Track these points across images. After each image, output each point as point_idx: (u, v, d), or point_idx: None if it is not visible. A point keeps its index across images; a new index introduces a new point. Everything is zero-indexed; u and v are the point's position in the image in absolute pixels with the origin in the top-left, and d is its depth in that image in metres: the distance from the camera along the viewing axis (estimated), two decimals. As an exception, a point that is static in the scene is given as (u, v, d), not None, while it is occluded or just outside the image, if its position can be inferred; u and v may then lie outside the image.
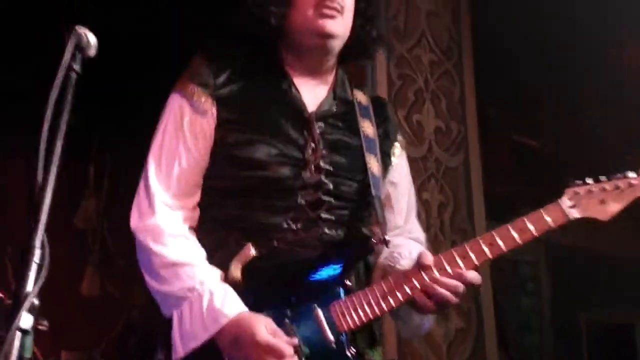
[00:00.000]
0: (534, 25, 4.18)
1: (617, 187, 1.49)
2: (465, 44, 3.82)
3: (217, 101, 1.55)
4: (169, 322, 1.48)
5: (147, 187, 1.54)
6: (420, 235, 1.80)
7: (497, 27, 4.13)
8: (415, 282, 1.46)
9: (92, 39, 1.28)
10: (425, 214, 3.45)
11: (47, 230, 1.18)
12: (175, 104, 1.58)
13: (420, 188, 3.50)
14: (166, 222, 1.49)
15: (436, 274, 1.46)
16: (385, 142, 1.71)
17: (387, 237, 1.54)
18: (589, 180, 1.52)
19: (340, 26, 1.57)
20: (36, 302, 1.11)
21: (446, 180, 3.60)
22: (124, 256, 4.82)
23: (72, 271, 4.64)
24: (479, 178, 3.71)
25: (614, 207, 1.50)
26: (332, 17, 1.55)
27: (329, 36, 1.57)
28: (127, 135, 4.55)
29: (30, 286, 1.12)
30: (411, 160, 3.54)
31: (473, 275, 1.48)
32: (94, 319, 4.63)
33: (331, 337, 1.42)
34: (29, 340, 1.09)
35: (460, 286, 1.46)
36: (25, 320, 1.08)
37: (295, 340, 1.40)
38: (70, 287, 4.60)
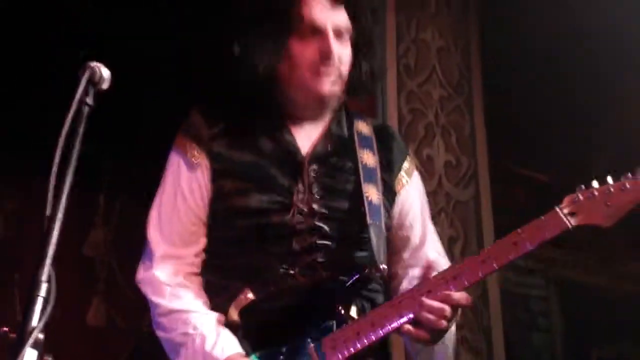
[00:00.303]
0: (545, 60, 4.20)
1: (624, 187, 1.38)
2: (475, 79, 3.85)
3: (209, 154, 1.59)
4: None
5: (148, 242, 1.63)
6: (437, 254, 1.74)
7: (507, 63, 4.16)
8: (404, 308, 1.44)
9: (105, 73, 1.31)
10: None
11: (56, 257, 1.18)
12: (174, 161, 1.65)
13: (430, 222, 3.48)
14: (163, 274, 1.57)
15: (424, 298, 1.43)
16: (387, 172, 1.69)
17: (383, 266, 1.55)
18: (595, 183, 1.41)
19: (337, 85, 1.58)
20: (41, 336, 1.11)
21: (456, 214, 3.58)
22: (131, 286, 4.81)
23: (79, 301, 4.62)
24: (490, 212, 3.69)
25: (619, 209, 1.37)
26: (328, 77, 1.55)
27: (324, 98, 1.58)
28: (139, 166, 4.58)
29: (35, 321, 1.11)
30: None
31: (460, 297, 1.43)
32: (99, 349, 4.59)
33: None
34: (33, 376, 1.08)
35: (447, 309, 1.42)
36: (30, 355, 1.07)
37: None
38: (76, 316, 4.57)
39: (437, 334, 1.46)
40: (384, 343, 1.60)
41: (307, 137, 1.64)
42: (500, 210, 3.83)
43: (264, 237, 1.55)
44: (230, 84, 1.69)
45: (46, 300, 1.12)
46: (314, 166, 1.60)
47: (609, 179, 1.41)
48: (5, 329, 1.70)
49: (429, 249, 1.73)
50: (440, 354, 1.57)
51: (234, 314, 1.51)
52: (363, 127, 1.71)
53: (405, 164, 1.75)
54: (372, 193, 1.59)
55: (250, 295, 1.52)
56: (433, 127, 3.63)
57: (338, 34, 1.55)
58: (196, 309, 1.53)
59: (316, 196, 1.58)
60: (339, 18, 1.55)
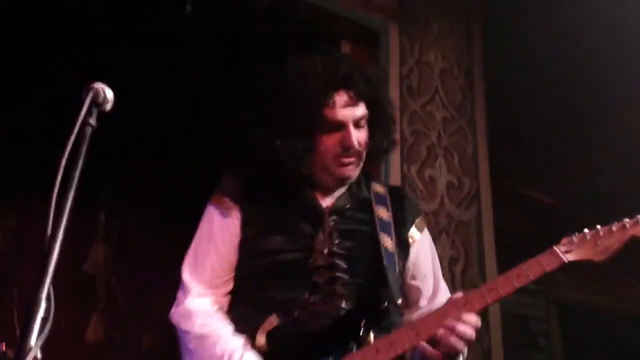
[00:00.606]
0: (547, 82, 4.22)
1: (610, 230, 1.60)
2: (478, 101, 3.87)
3: (241, 206, 1.78)
4: None
5: (183, 283, 1.77)
6: None
7: (510, 84, 4.17)
8: (422, 330, 1.57)
9: (109, 94, 1.31)
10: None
11: (56, 274, 1.18)
12: (209, 212, 1.83)
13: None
14: (194, 305, 1.71)
15: (448, 318, 1.56)
16: (400, 229, 1.84)
17: (399, 301, 1.72)
18: (585, 230, 1.64)
19: (356, 169, 1.78)
20: (39, 355, 1.10)
21: (458, 234, 3.58)
22: (130, 303, 4.79)
23: (78, 317, 4.61)
24: (491, 233, 3.69)
25: (608, 248, 1.59)
26: (350, 164, 1.75)
27: (346, 180, 1.79)
28: (140, 184, 4.60)
29: (33, 339, 1.10)
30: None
31: (470, 318, 1.55)
32: (98, 366, 4.57)
33: None
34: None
35: (467, 331, 1.53)
36: (27, 375, 1.07)
37: None
38: (75, 333, 4.55)
39: (455, 356, 1.56)
40: None
41: (329, 197, 1.82)
42: (502, 231, 3.83)
43: (286, 273, 1.70)
44: (259, 155, 1.84)
45: (45, 319, 1.12)
46: (334, 217, 1.77)
47: (598, 227, 1.63)
48: (3, 347, 1.69)
49: (443, 298, 1.83)
50: None
51: (261, 339, 1.63)
52: (379, 189, 1.89)
53: (417, 221, 1.91)
54: (387, 242, 1.76)
55: (276, 321, 1.64)
56: (435, 148, 3.64)
57: (357, 123, 1.73)
58: (224, 334, 1.65)
59: (335, 241, 1.74)
60: (359, 112, 1.72)
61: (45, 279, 1.19)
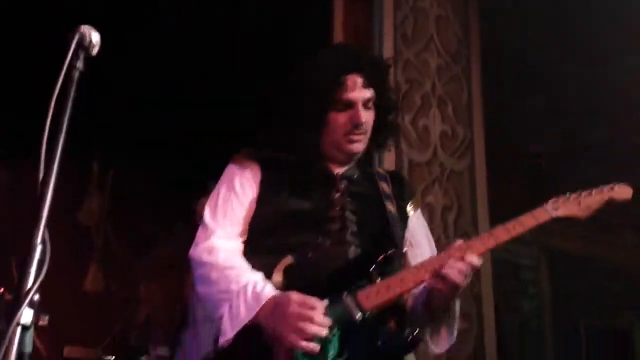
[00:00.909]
0: (544, 32, 4.17)
1: (590, 193, 1.90)
2: (473, 48, 3.82)
3: (261, 165, 1.97)
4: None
5: (204, 225, 1.90)
6: None
7: (506, 33, 4.13)
8: (428, 268, 1.75)
9: (95, 37, 1.29)
10: (429, 217, 3.45)
11: (50, 226, 1.19)
12: (229, 170, 2.00)
13: (424, 192, 3.50)
14: (219, 243, 1.85)
15: (451, 258, 1.75)
16: (400, 202, 2.04)
17: (404, 249, 1.94)
18: (568, 193, 1.91)
19: (364, 145, 1.98)
20: (37, 297, 1.12)
21: (451, 184, 3.60)
22: (126, 253, 4.84)
23: (76, 268, 4.65)
24: (484, 183, 3.71)
25: (590, 206, 1.89)
26: (358, 141, 1.95)
27: (355, 155, 1.99)
28: (132, 132, 4.57)
29: (31, 282, 1.12)
30: (416, 165, 3.60)
31: (472, 258, 1.74)
32: (96, 315, 4.63)
33: (357, 314, 1.68)
34: (29, 335, 1.10)
35: (466, 268, 1.72)
36: (26, 315, 1.09)
37: (325, 301, 1.66)
38: (73, 283, 4.61)
39: (455, 290, 1.73)
40: (403, 310, 1.88)
41: (339, 168, 2.02)
42: (494, 182, 3.85)
43: (300, 223, 1.87)
44: (273, 129, 2.06)
45: (41, 262, 1.13)
46: (345, 181, 1.98)
47: (579, 191, 1.91)
48: (1, 290, 1.72)
49: None
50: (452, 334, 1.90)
51: (278, 277, 1.78)
52: (380, 170, 2.14)
53: (413, 200, 2.12)
54: (390, 207, 1.98)
55: (291, 260, 1.80)
56: (430, 97, 3.62)
57: (365, 104, 1.94)
58: (247, 268, 1.79)
59: (347, 198, 1.94)
60: (367, 94, 1.94)
61: (40, 223, 1.20)
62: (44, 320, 1.14)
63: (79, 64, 1.28)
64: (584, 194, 1.91)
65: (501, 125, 4.53)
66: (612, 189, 1.92)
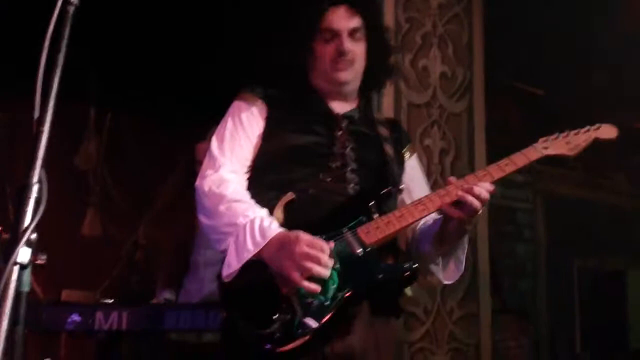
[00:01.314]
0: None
1: (577, 133, 1.95)
2: (476, -16, 3.73)
3: (267, 102, 1.97)
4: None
5: (211, 157, 1.91)
6: None
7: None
8: (427, 204, 1.80)
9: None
10: (427, 159, 3.45)
11: (48, 171, 1.18)
12: (234, 105, 2.00)
13: (422, 134, 3.49)
14: (228, 176, 1.86)
15: (463, 185, 1.80)
16: (397, 145, 2.08)
17: (402, 186, 1.98)
18: (557, 133, 1.96)
19: (351, 74, 1.98)
20: (34, 236, 1.12)
21: (449, 126, 3.58)
22: (124, 197, 4.85)
23: (73, 212, 4.66)
24: (482, 125, 3.69)
25: (578, 145, 1.93)
26: (344, 69, 1.95)
27: (342, 84, 1.99)
28: (129, 76, 4.50)
29: (28, 220, 1.12)
30: (415, 107, 3.57)
31: (486, 185, 1.78)
32: (95, 259, 4.66)
33: (358, 249, 1.74)
34: (27, 274, 1.10)
35: (483, 192, 1.76)
36: (23, 254, 1.09)
37: (332, 244, 1.69)
38: (71, 228, 4.62)
39: (472, 217, 1.78)
40: (397, 247, 1.93)
41: (341, 108, 2.03)
42: (492, 124, 3.83)
43: (302, 158, 1.89)
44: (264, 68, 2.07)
45: (38, 201, 1.13)
46: (346, 121, 2.00)
47: (567, 131, 1.97)
48: (-1, 228, 1.72)
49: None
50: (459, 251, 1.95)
51: (279, 213, 1.80)
52: (379, 116, 2.17)
53: (409, 145, 2.16)
54: (388, 149, 2.01)
55: (292, 196, 1.82)
56: (430, 37, 3.56)
57: (352, 34, 1.95)
58: (253, 203, 1.81)
59: (348, 137, 1.97)
60: (353, 23, 1.96)
61: (36, 162, 1.19)
62: (42, 259, 1.14)
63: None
64: (571, 133, 1.95)
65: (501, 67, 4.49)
66: (598, 128, 1.96)
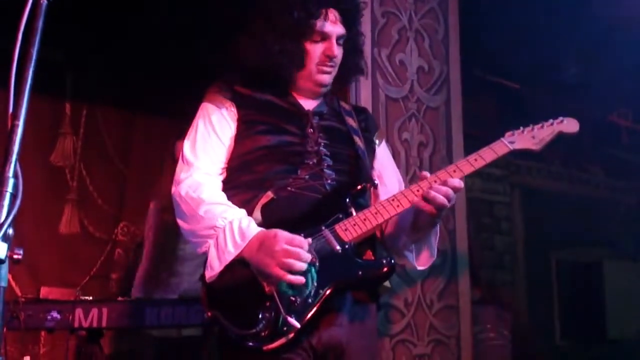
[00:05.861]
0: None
1: (542, 127, 1.99)
2: (449, -21, 3.76)
3: (234, 101, 1.99)
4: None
5: (185, 161, 1.93)
6: None
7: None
8: (401, 200, 1.85)
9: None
10: (405, 153, 3.48)
11: (24, 167, 1.17)
12: (204, 107, 2.02)
13: (401, 128, 3.51)
14: (203, 179, 1.89)
15: (434, 183, 1.86)
16: (366, 133, 2.13)
17: (375, 182, 2.02)
18: (522, 127, 2.01)
19: (332, 77, 2.05)
20: (10, 231, 1.11)
21: (427, 120, 3.61)
22: (102, 194, 4.81)
23: (52, 209, 4.62)
24: (459, 118, 3.72)
25: (543, 140, 1.97)
26: (329, 73, 2.02)
27: (324, 86, 2.06)
28: (105, 71, 4.47)
29: (4, 215, 1.11)
30: (392, 101, 3.59)
31: (455, 182, 1.84)
32: (73, 256, 4.63)
33: (337, 246, 1.78)
34: (4, 269, 1.09)
35: (450, 191, 1.82)
36: (0, 249, 1.08)
37: (310, 240, 1.73)
38: (49, 225, 4.57)
39: (440, 211, 1.83)
40: (374, 242, 1.99)
41: (309, 104, 2.07)
42: (470, 117, 3.87)
43: (278, 157, 1.91)
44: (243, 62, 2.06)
45: (14, 196, 1.12)
46: (316, 117, 2.04)
47: (532, 125, 2.01)
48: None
49: None
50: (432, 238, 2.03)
51: (257, 214, 1.83)
52: (345, 105, 2.19)
53: (377, 132, 2.21)
54: (359, 141, 2.05)
55: (271, 195, 1.85)
56: (407, 31, 3.58)
57: (338, 40, 2.01)
58: (231, 205, 1.84)
59: (320, 134, 2.00)
60: (341, 30, 2.02)
61: (11, 156, 1.18)
62: (18, 254, 1.13)
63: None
64: (536, 127, 2.00)
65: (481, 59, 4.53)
66: (561, 122, 2.00)
